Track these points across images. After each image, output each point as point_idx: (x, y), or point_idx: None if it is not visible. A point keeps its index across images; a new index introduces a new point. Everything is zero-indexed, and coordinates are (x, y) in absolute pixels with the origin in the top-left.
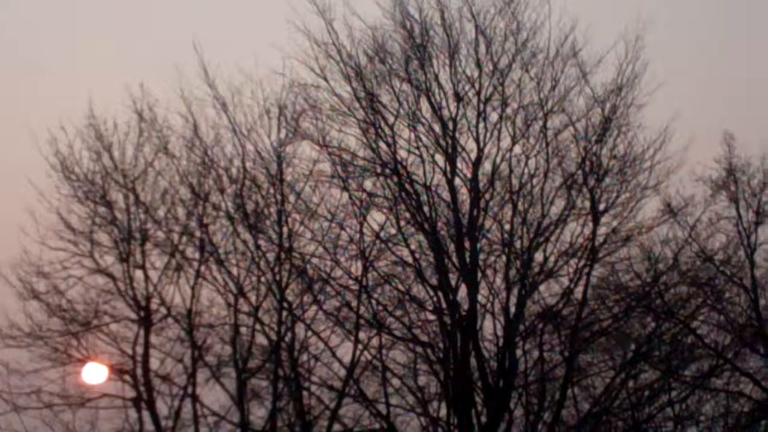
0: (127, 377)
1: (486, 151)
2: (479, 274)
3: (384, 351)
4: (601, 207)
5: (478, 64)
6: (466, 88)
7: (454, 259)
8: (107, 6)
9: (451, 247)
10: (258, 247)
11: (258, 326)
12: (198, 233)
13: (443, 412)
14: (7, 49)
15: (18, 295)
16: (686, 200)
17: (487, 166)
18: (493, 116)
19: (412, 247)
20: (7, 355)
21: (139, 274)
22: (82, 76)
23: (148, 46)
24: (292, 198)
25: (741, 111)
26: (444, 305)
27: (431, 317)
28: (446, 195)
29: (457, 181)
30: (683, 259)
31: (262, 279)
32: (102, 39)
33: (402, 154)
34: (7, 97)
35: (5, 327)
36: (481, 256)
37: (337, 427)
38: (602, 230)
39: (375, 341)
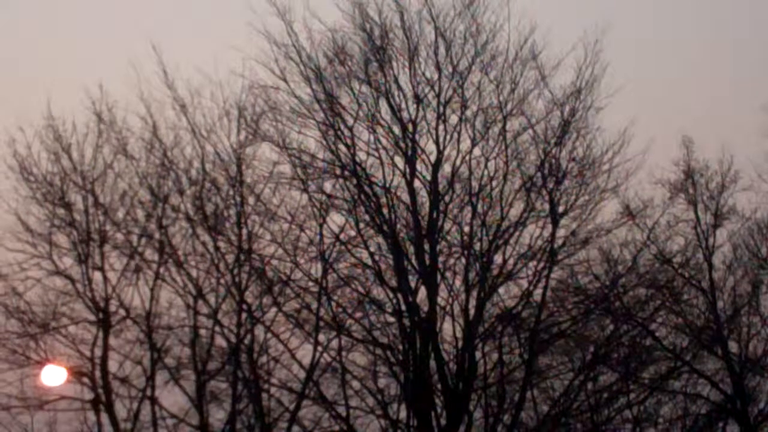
0: (85, 379)
1: (446, 153)
2: (439, 277)
3: (344, 353)
4: (560, 209)
5: (438, 67)
6: (426, 90)
7: (414, 261)
8: (66, 6)
9: (411, 250)
10: (217, 248)
11: (217, 328)
12: (157, 235)
13: (403, 414)
14: None
15: None
16: (645, 203)
17: (446, 169)
18: (453, 118)
19: (372, 249)
20: None
21: (97, 275)
22: (40, 76)
23: (107, 47)
24: (251, 200)
25: (699, 114)
26: (403, 307)
27: (391, 319)
28: (406, 197)
29: (417, 183)
30: (642, 261)
31: (222, 281)
32: (61, 39)
33: (361, 156)
34: None
35: None
36: (441, 259)
37: (296, 429)
38: (561, 233)
39: (335, 343)
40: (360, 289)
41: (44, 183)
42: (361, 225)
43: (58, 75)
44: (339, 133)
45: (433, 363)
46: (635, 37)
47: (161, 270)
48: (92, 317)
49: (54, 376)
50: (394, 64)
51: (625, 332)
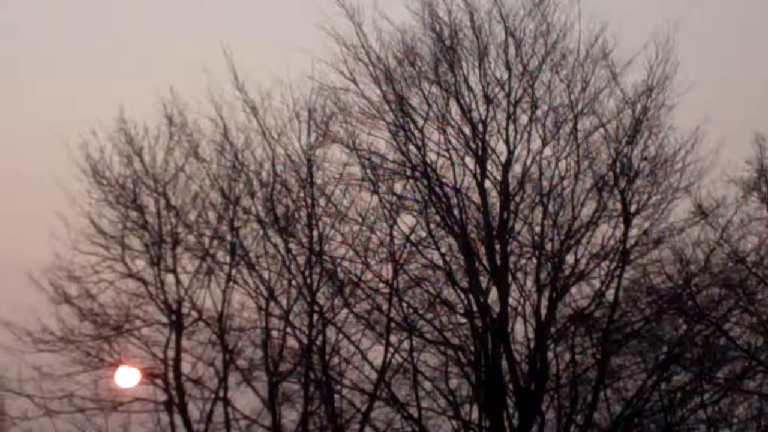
0: (158, 381)
1: (516, 153)
2: (510, 277)
3: (415, 354)
4: (632, 209)
5: (508, 66)
6: (496, 90)
7: (485, 261)
8: (138, 10)
9: (482, 250)
10: (288, 250)
11: (289, 330)
12: (229, 237)
13: (475, 415)
14: (36, 51)
15: (50, 300)
16: (718, 202)
17: (517, 169)
18: (523, 118)
19: (443, 249)
20: (40, 359)
21: (170, 278)
22: (112, 80)
23: (177, 50)
24: (322, 201)
25: None
26: (475, 308)
27: (462, 320)
28: (476, 198)
29: (487, 183)
30: (715, 260)
31: (293, 282)
32: (132, 43)
33: (432, 156)
34: (37, 101)
35: (38, 331)
36: (512, 259)
37: (368, 430)
38: (633, 232)
39: (406, 344)
40: (431, 290)
41: (117, 186)
42: (432, 226)
43: (130, 79)
44: (409, 134)
45: (504, 364)
46: (707, 32)
47: (233, 272)
48: (165, 319)
49: (128, 377)
50: (464, 64)
51: (699, 332)
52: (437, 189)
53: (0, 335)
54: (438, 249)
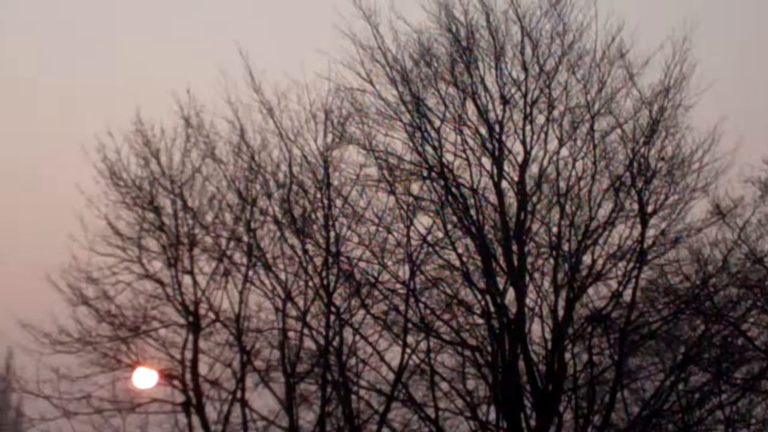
0: (176, 382)
1: (533, 153)
2: (527, 278)
3: (432, 355)
4: (650, 209)
5: (524, 67)
6: (512, 90)
7: (502, 262)
8: (153, 12)
9: (499, 251)
10: (305, 251)
11: (306, 330)
12: (246, 238)
13: (492, 415)
14: (50, 55)
15: (67, 301)
16: (735, 201)
17: (534, 169)
18: (540, 119)
19: (460, 250)
20: (58, 360)
21: (187, 279)
22: (128, 80)
23: (193, 52)
24: (339, 202)
25: None
26: (492, 309)
27: (479, 321)
28: (493, 198)
29: (504, 184)
30: (733, 260)
31: (310, 283)
32: (148, 45)
33: (448, 157)
34: (53, 104)
35: (55, 333)
36: (529, 259)
37: (385, 431)
38: (651, 232)
39: (423, 345)
40: (448, 290)
41: (134, 187)
42: (449, 226)
43: (146, 80)
44: (426, 134)
45: (522, 364)
46: (723, 32)
47: (250, 273)
48: (182, 320)
49: (145, 379)
50: (481, 64)
51: (717, 332)
52: (454, 189)
53: (18, 337)
54: (455, 250)
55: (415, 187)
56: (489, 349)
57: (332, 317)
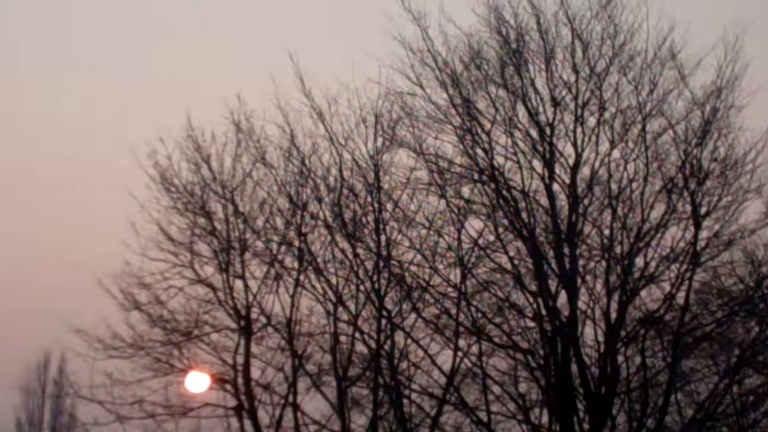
0: (228, 386)
1: (584, 156)
2: (579, 280)
3: (484, 358)
4: (703, 211)
5: (575, 69)
6: (563, 92)
7: (554, 265)
8: (205, 19)
9: (550, 254)
10: (356, 255)
11: (357, 335)
12: (297, 242)
13: (545, 419)
14: (107, 56)
15: (120, 306)
16: None
17: (585, 171)
18: (591, 121)
19: (511, 253)
20: (111, 365)
21: (238, 283)
22: (180, 83)
23: (244, 58)
24: (389, 206)
25: None
26: (544, 312)
27: (531, 324)
28: (544, 201)
29: (556, 186)
30: None
31: (361, 287)
32: (199, 51)
33: (499, 160)
34: (107, 112)
35: (108, 338)
36: (581, 262)
37: None
38: (704, 234)
39: (475, 348)
40: (499, 294)
41: (185, 193)
42: (500, 229)
43: (197, 86)
44: (476, 137)
45: (574, 367)
46: None
47: (301, 277)
48: (234, 325)
49: (197, 383)
50: (531, 67)
51: None
52: (505, 192)
53: (72, 342)
54: (506, 253)
55: (465, 191)
56: (541, 352)
57: (383, 321)
